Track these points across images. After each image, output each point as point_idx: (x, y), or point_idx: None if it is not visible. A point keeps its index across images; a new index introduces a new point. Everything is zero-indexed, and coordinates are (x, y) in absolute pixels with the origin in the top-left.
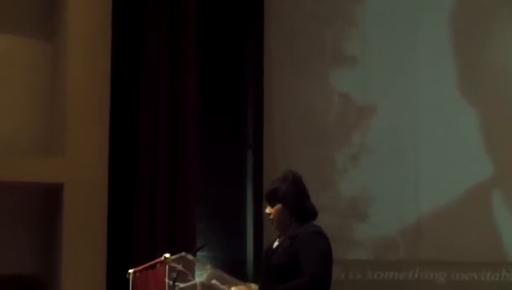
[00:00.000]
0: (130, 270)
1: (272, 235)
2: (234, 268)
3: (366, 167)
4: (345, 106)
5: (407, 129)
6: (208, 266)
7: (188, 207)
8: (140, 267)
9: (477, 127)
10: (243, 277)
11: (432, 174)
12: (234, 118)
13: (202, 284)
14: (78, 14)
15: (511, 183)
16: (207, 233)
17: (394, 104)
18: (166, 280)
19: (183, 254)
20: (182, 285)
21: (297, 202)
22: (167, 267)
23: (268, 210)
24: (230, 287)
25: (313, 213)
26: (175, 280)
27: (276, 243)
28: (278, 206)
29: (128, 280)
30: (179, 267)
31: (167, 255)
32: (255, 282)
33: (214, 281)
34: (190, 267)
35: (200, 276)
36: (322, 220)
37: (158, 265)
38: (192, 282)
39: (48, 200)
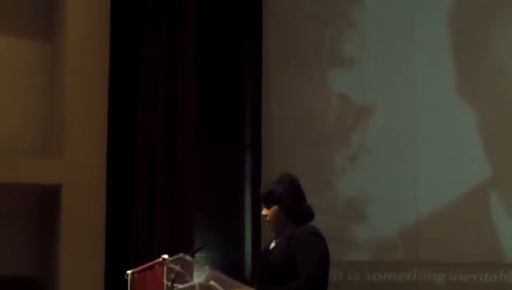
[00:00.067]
0: (128, 272)
1: (270, 237)
2: (232, 269)
3: (364, 167)
4: (343, 107)
5: (405, 130)
6: (206, 267)
7: (186, 208)
8: (138, 269)
9: (476, 127)
10: (241, 278)
11: (430, 175)
12: (232, 119)
13: (200, 285)
14: (77, 15)
15: (509, 184)
16: (205, 234)
17: (393, 105)
18: (165, 281)
19: (181, 255)
20: (180, 286)
21: (294, 203)
22: (165, 268)
23: (264, 212)
24: None
25: (309, 214)
26: (173, 281)
27: (272, 245)
28: (275, 208)
29: (127, 281)
30: (177, 268)
31: (165, 256)
32: (252, 283)
33: (212, 282)
34: (188, 269)
35: (199, 277)
36: (321, 221)
37: (156, 266)
38: (191, 283)
39: (46, 201)
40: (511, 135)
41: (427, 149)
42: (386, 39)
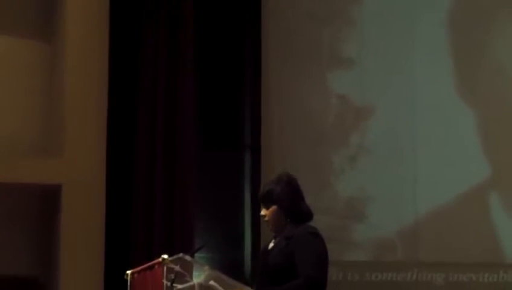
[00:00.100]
0: (128, 272)
1: (270, 237)
2: (232, 269)
3: (364, 168)
4: (342, 107)
5: (405, 130)
6: (206, 267)
7: (185, 208)
8: (138, 269)
9: (475, 127)
10: (240, 278)
11: (430, 175)
12: (232, 119)
13: (200, 285)
14: (76, 15)
15: (509, 184)
16: (205, 234)
17: (392, 105)
18: (164, 281)
19: (181, 255)
20: (179, 286)
21: (292, 203)
22: (165, 268)
23: (263, 212)
24: None
25: (308, 214)
26: (173, 281)
27: (271, 244)
28: (273, 207)
29: (126, 281)
30: (177, 268)
31: (165, 256)
32: (252, 283)
33: (211, 282)
34: (188, 269)
35: (198, 277)
36: (320, 221)
37: (156, 266)
38: (190, 283)
39: (46, 201)
40: (510, 135)
41: (426, 149)
42: (385, 39)
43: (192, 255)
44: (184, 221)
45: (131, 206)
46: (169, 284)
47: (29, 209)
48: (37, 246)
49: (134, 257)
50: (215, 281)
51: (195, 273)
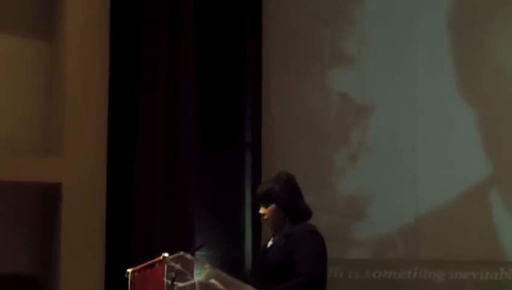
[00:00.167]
0: (129, 270)
1: (270, 235)
2: (233, 267)
3: (364, 166)
4: (343, 106)
5: (405, 129)
6: (207, 265)
7: (186, 207)
8: (138, 267)
9: (475, 126)
10: (241, 276)
11: (430, 174)
12: (232, 119)
13: (201, 284)
14: (77, 14)
15: (509, 182)
16: (206, 233)
17: (393, 104)
18: (165, 280)
19: (181, 253)
20: (180, 284)
21: (291, 201)
22: (166, 266)
23: (262, 210)
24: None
25: (307, 213)
26: (173, 280)
27: (270, 243)
28: (272, 206)
29: (127, 279)
30: (178, 266)
31: (166, 254)
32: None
33: (212, 281)
34: (189, 267)
35: (199, 275)
36: (321, 220)
37: (157, 264)
38: (191, 281)
39: (46, 199)
40: (510, 134)
41: (426, 148)
42: (386, 38)
43: (192, 254)
44: (184, 220)
45: (131, 204)
46: (170, 282)
47: (29, 207)
48: (37, 245)
49: (134, 256)
50: (215, 279)
51: (196, 272)
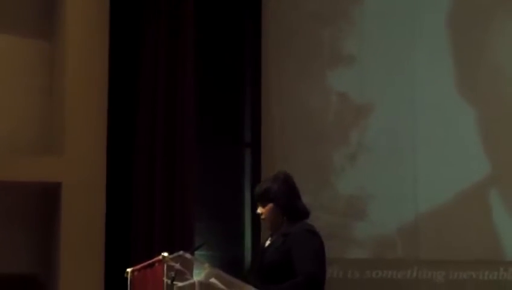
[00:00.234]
0: (128, 269)
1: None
2: (232, 267)
3: (364, 166)
4: (343, 105)
5: (405, 128)
6: (206, 265)
7: (185, 206)
8: (138, 266)
9: (475, 126)
10: (240, 276)
11: (430, 173)
12: (232, 118)
13: (200, 283)
14: (76, 14)
15: (509, 182)
16: (205, 232)
17: (392, 104)
18: (165, 279)
19: (181, 252)
20: (180, 284)
21: (289, 201)
22: (165, 266)
23: (260, 210)
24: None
25: (304, 212)
26: (173, 279)
27: (268, 242)
28: (270, 205)
29: (127, 279)
30: (177, 266)
31: (165, 254)
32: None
33: (212, 280)
34: (188, 266)
35: (198, 275)
36: (321, 219)
37: (156, 264)
38: (191, 281)
39: (46, 199)
40: (510, 133)
41: (426, 147)
42: (386, 38)
43: (192, 253)
44: (184, 219)
45: (131, 204)
46: (169, 282)
47: (29, 207)
48: (36, 245)
49: (134, 255)
50: (215, 278)
51: (195, 271)
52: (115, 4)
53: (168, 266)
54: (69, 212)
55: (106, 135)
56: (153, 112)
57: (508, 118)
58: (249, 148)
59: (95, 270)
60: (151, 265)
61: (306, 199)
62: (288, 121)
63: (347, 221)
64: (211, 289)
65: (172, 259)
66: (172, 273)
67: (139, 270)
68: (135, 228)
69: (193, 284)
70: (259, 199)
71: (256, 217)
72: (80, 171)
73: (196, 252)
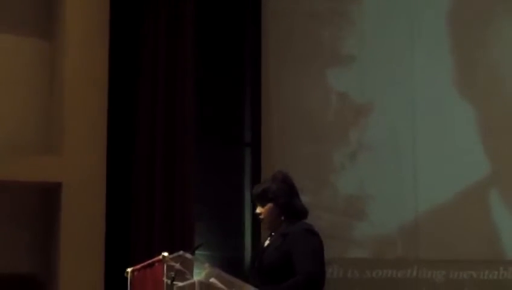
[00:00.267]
0: (128, 269)
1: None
2: (232, 267)
3: (364, 165)
4: (342, 105)
5: (405, 128)
6: (206, 265)
7: (185, 206)
8: (138, 266)
9: (475, 125)
10: (241, 276)
11: (430, 173)
12: (232, 118)
13: (200, 283)
14: (76, 13)
15: (509, 182)
16: (205, 232)
17: (392, 103)
18: (165, 279)
19: (181, 252)
20: (180, 284)
21: (288, 201)
22: (165, 266)
23: (259, 210)
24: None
25: (303, 212)
26: (173, 279)
27: (267, 242)
28: (269, 205)
29: (127, 278)
30: (177, 266)
31: (165, 254)
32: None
33: (212, 280)
34: (188, 266)
35: (199, 275)
36: (320, 219)
37: (156, 264)
38: (191, 281)
39: (46, 199)
40: (510, 133)
41: (426, 146)
42: (385, 37)
43: (192, 253)
44: (184, 219)
45: (131, 204)
46: (169, 281)
47: (29, 207)
48: (37, 245)
49: (134, 255)
50: (215, 278)
51: (195, 271)
52: (115, 4)
53: (168, 266)
54: (69, 212)
55: (106, 135)
56: (153, 112)
57: (508, 117)
58: (249, 148)
59: (95, 270)
60: (151, 265)
61: (306, 198)
62: (288, 120)
63: (347, 220)
64: (211, 288)
65: (172, 259)
66: (173, 273)
67: (139, 270)
68: (135, 228)
69: (193, 284)
70: (258, 199)
71: (256, 217)
72: (80, 171)
73: (196, 252)
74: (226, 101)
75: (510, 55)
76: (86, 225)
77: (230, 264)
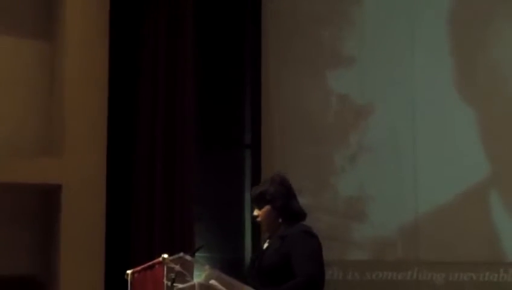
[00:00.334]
0: (129, 271)
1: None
2: (232, 269)
3: (364, 167)
4: (342, 106)
5: (405, 129)
6: (206, 267)
7: (185, 208)
8: (138, 268)
9: (475, 126)
10: (241, 278)
11: (430, 174)
12: (232, 119)
13: (200, 285)
14: (76, 14)
15: (509, 183)
16: (205, 234)
17: (392, 104)
18: (165, 281)
19: (181, 254)
20: (180, 286)
21: (286, 203)
22: (165, 267)
23: (256, 213)
24: None
25: (301, 214)
26: (173, 281)
27: (266, 245)
28: (267, 208)
29: (127, 280)
30: (177, 267)
31: (165, 255)
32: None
33: (212, 282)
34: (188, 268)
35: (199, 276)
36: (320, 221)
37: (156, 266)
38: (191, 283)
39: (46, 201)
40: (510, 133)
41: (426, 148)
42: (385, 38)
43: (192, 255)
44: (184, 220)
45: (131, 206)
46: (169, 283)
47: (29, 209)
48: (37, 246)
49: (134, 257)
50: (215, 280)
51: (195, 273)
52: (115, 4)
53: (168, 268)
54: (69, 213)
55: (106, 136)
56: (153, 113)
57: (508, 118)
58: (249, 149)
59: (95, 272)
60: (152, 267)
61: (306, 200)
62: (288, 121)
63: (347, 222)
64: None
65: (172, 261)
66: (173, 275)
67: (139, 272)
68: (135, 230)
69: (193, 285)
70: (255, 202)
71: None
72: (80, 172)
73: (196, 254)
74: (226, 102)
75: (510, 56)
76: (86, 226)
77: (230, 265)
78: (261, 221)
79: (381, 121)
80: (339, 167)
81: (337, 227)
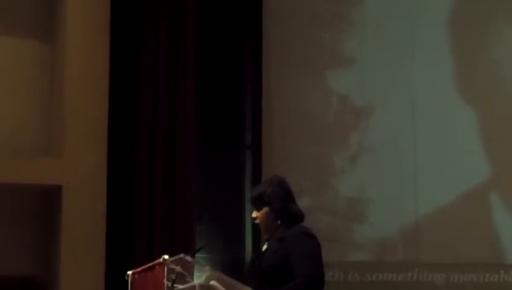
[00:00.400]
0: (129, 272)
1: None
2: (233, 269)
3: (364, 168)
4: (343, 107)
5: (405, 130)
6: (207, 268)
7: (186, 209)
8: (139, 269)
9: (475, 127)
10: (241, 279)
11: (430, 175)
12: (232, 119)
13: (201, 286)
14: (77, 15)
15: (509, 184)
16: (206, 235)
17: (392, 105)
18: (165, 282)
19: (182, 255)
20: (180, 286)
21: (284, 205)
22: (166, 268)
23: (255, 214)
24: None
25: (299, 215)
26: (174, 282)
27: (264, 247)
28: (265, 209)
29: (127, 281)
30: (178, 268)
31: (166, 256)
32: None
33: (212, 283)
34: (189, 269)
35: (199, 277)
36: (321, 222)
37: (157, 267)
38: (191, 283)
39: (46, 202)
40: (510, 134)
41: (426, 149)
42: (386, 39)
43: (193, 256)
44: (185, 221)
45: (132, 206)
46: (170, 284)
47: (29, 209)
48: (37, 247)
49: (135, 258)
50: (216, 281)
51: (196, 274)
52: (115, 5)
53: (168, 269)
54: (70, 214)
55: (107, 137)
56: (154, 114)
57: (508, 118)
58: (249, 150)
59: (95, 273)
60: (152, 268)
61: (306, 201)
62: (289, 123)
63: (347, 223)
64: None
65: (173, 262)
66: (173, 276)
67: (139, 272)
68: (136, 231)
69: (194, 286)
70: (254, 203)
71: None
72: (80, 173)
73: (197, 255)
74: (226, 103)
75: (510, 56)
76: (87, 227)
77: (230, 266)
78: (259, 223)
79: (382, 121)
80: (339, 168)
81: (337, 228)
